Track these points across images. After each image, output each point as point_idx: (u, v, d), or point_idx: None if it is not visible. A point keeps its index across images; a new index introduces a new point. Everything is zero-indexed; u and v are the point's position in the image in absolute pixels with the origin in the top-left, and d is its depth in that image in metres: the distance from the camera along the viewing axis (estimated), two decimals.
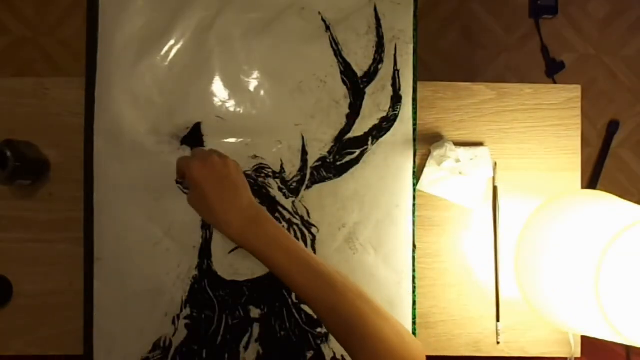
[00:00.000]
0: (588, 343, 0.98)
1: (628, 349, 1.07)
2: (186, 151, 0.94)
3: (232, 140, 0.94)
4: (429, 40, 2.12)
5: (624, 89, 2.15)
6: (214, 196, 0.78)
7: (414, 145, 0.96)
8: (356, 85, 0.95)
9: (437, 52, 2.12)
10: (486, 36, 2.14)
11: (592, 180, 2.11)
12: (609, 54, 2.16)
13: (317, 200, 0.95)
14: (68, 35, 2.05)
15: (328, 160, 0.95)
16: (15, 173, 0.89)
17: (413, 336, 0.76)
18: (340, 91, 0.95)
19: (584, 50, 2.15)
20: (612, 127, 2.13)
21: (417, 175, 0.97)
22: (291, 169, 0.95)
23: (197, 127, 0.94)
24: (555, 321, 0.92)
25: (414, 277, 0.94)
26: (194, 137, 0.94)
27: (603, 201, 0.90)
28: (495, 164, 0.99)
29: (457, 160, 0.94)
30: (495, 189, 0.99)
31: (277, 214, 0.93)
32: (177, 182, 0.93)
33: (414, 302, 0.94)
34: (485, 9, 2.13)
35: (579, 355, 0.98)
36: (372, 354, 0.74)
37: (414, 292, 0.94)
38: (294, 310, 0.93)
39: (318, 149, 0.95)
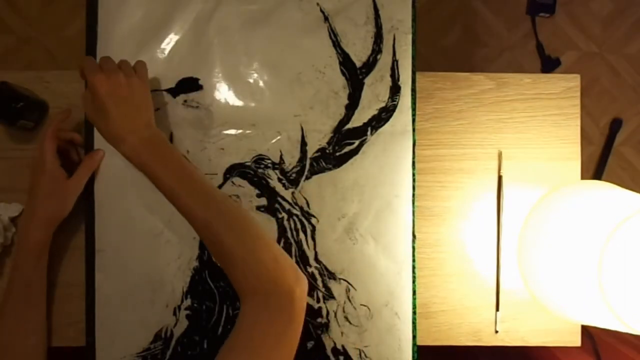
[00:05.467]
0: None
1: None
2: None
3: (232, 131, 0.95)
4: (430, 38, 2.12)
5: (627, 87, 2.14)
6: (113, 113, 0.82)
7: (413, 136, 0.96)
8: (355, 76, 0.96)
9: (439, 50, 2.12)
10: (488, 34, 2.14)
11: (595, 178, 2.11)
12: (612, 51, 2.15)
13: (316, 190, 0.95)
14: (71, 35, 2.07)
15: (327, 151, 0.95)
16: (19, 112, 0.92)
17: (295, 268, 0.78)
18: (339, 82, 0.96)
19: (587, 48, 2.15)
20: (615, 125, 2.13)
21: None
22: (290, 160, 0.95)
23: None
24: (557, 310, 0.92)
25: (413, 267, 0.94)
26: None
27: (606, 191, 0.90)
28: (500, 152, 0.99)
29: None
30: (500, 178, 0.99)
31: (276, 205, 0.94)
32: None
33: (414, 292, 0.94)
34: (487, 7, 2.14)
35: (579, 344, 0.98)
36: (246, 278, 0.76)
37: (413, 282, 0.94)
38: None
39: (317, 140, 0.95)
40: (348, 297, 0.93)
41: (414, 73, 0.96)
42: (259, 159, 0.95)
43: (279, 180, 0.94)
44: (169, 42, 0.95)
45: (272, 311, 0.74)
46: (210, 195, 0.82)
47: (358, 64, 0.96)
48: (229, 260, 0.78)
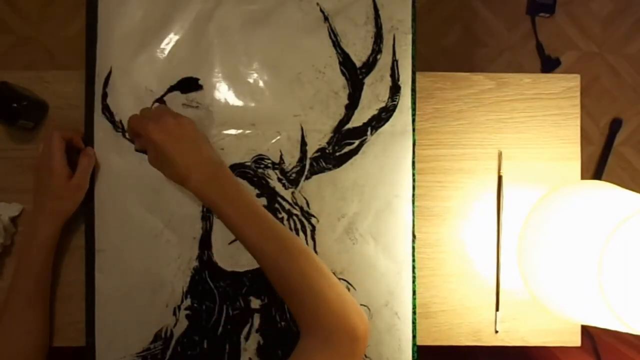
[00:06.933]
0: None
1: None
2: None
3: (232, 131, 0.95)
4: (430, 38, 2.12)
5: (627, 87, 2.14)
6: (173, 154, 0.83)
7: (413, 136, 0.95)
8: (355, 76, 0.96)
9: (439, 50, 2.12)
10: (488, 34, 2.14)
11: (595, 178, 2.11)
12: (612, 51, 2.15)
13: (316, 190, 0.95)
14: (71, 35, 2.07)
15: (327, 151, 0.95)
16: (19, 112, 0.92)
17: (358, 306, 0.78)
18: (339, 82, 0.96)
19: (587, 48, 2.15)
20: (615, 125, 2.13)
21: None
22: (290, 160, 0.95)
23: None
24: (557, 310, 0.92)
25: (413, 267, 0.94)
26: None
27: (606, 191, 0.90)
28: (500, 152, 0.99)
29: None
30: (500, 178, 0.99)
31: (276, 205, 0.94)
32: (136, 150, 0.91)
33: (414, 292, 0.94)
34: (487, 7, 2.14)
35: (579, 344, 0.98)
36: (312, 314, 0.76)
37: (413, 282, 0.94)
38: None
39: (317, 140, 0.95)
40: None
41: (414, 73, 0.96)
42: (259, 159, 0.95)
43: (279, 180, 0.94)
44: (169, 42, 0.95)
45: (334, 347, 0.74)
46: (276, 231, 0.82)
47: (358, 64, 0.96)
48: (294, 296, 0.79)
